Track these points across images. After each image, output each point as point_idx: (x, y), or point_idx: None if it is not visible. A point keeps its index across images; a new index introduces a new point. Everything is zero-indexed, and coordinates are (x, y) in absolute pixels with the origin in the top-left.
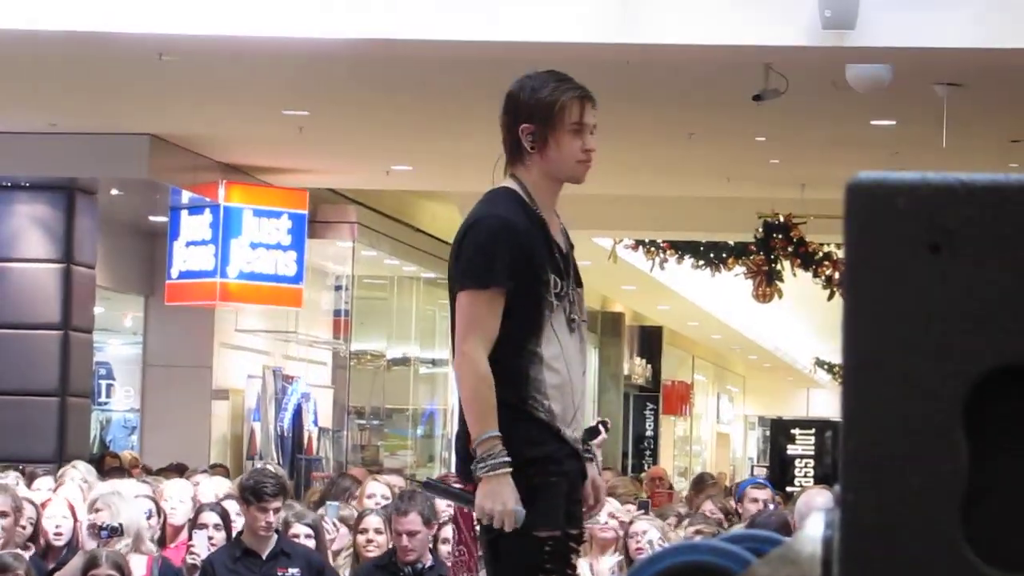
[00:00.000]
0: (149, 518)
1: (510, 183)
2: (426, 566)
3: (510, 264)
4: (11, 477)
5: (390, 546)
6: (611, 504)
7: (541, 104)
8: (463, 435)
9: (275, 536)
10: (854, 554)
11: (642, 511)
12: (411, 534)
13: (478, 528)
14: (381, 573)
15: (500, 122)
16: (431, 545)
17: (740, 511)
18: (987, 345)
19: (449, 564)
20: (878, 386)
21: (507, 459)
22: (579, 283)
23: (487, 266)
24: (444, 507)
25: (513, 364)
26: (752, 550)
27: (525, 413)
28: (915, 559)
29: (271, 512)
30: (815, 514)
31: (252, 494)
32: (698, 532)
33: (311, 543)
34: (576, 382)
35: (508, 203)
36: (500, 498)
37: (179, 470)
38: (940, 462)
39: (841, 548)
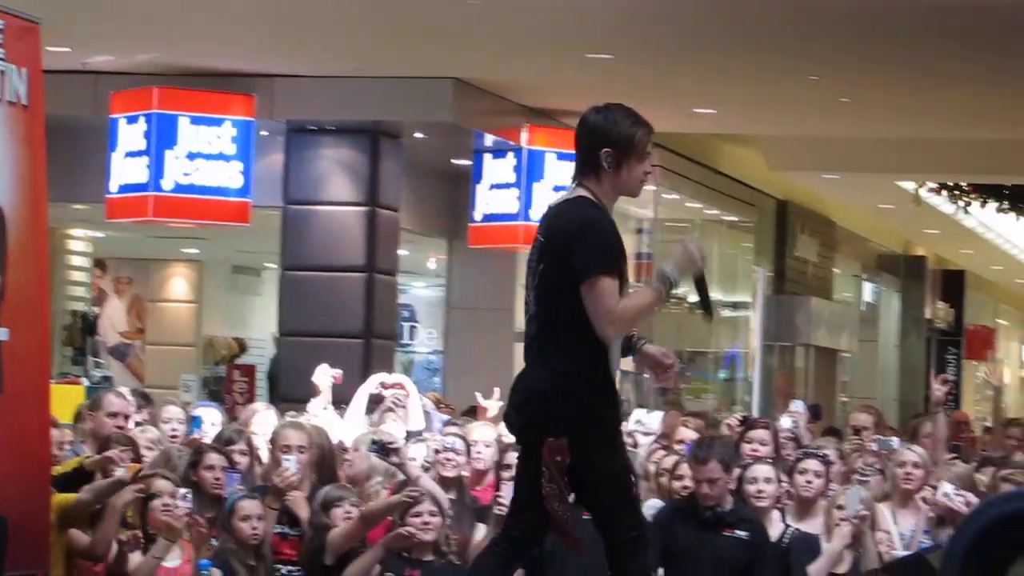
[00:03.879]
0: (458, 454)
1: (584, 192)
2: (726, 509)
3: (623, 258)
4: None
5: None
6: (915, 452)
7: (621, 135)
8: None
9: None
10: None
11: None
12: (711, 482)
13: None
14: (680, 516)
15: (577, 140)
16: (732, 487)
17: None
18: None
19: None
20: None
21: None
22: None
23: (612, 256)
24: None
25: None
26: None
27: (607, 382)
28: None
29: None
30: None
31: None
32: (1007, 479)
33: None
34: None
35: (596, 209)
36: (685, 261)
37: (478, 412)
38: None
39: None
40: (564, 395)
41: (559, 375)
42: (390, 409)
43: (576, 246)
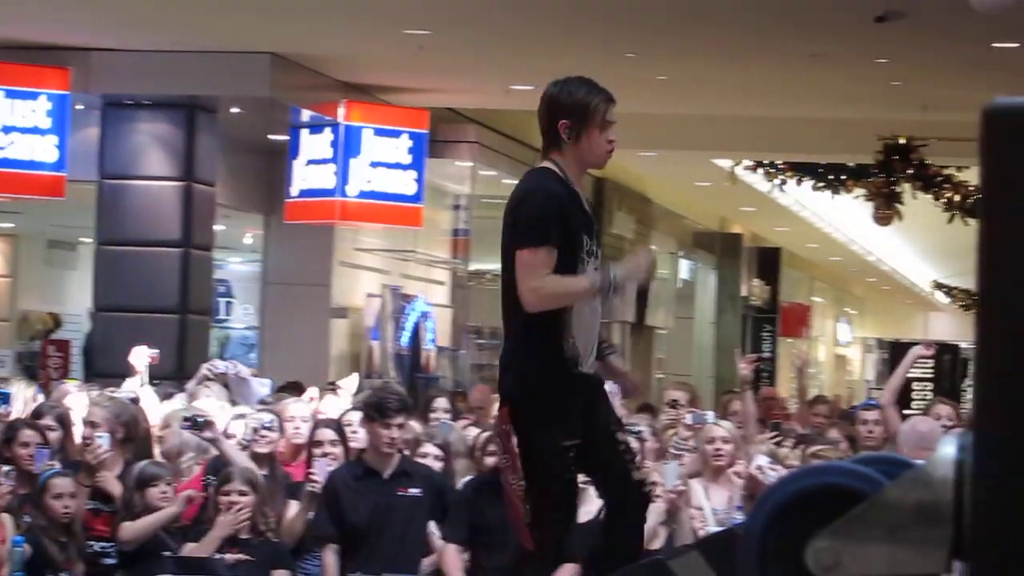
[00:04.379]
0: (271, 430)
1: (548, 164)
2: None
3: (559, 228)
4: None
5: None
6: (723, 428)
7: (577, 105)
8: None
9: (398, 455)
10: (987, 477)
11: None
12: None
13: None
14: (486, 491)
15: (539, 115)
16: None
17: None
18: None
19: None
20: (1013, 311)
21: (609, 273)
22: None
23: (543, 229)
24: None
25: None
26: (884, 472)
27: (556, 356)
28: None
29: (394, 428)
30: (947, 437)
31: (376, 410)
32: (815, 455)
33: (438, 466)
34: (595, 322)
35: (550, 179)
36: (633, 269)
37: (298, 389)
38: None
39: (974, 471)
40: (513, 366)
41: (513, 345)
42: (205, 381)
43: (513, 216)
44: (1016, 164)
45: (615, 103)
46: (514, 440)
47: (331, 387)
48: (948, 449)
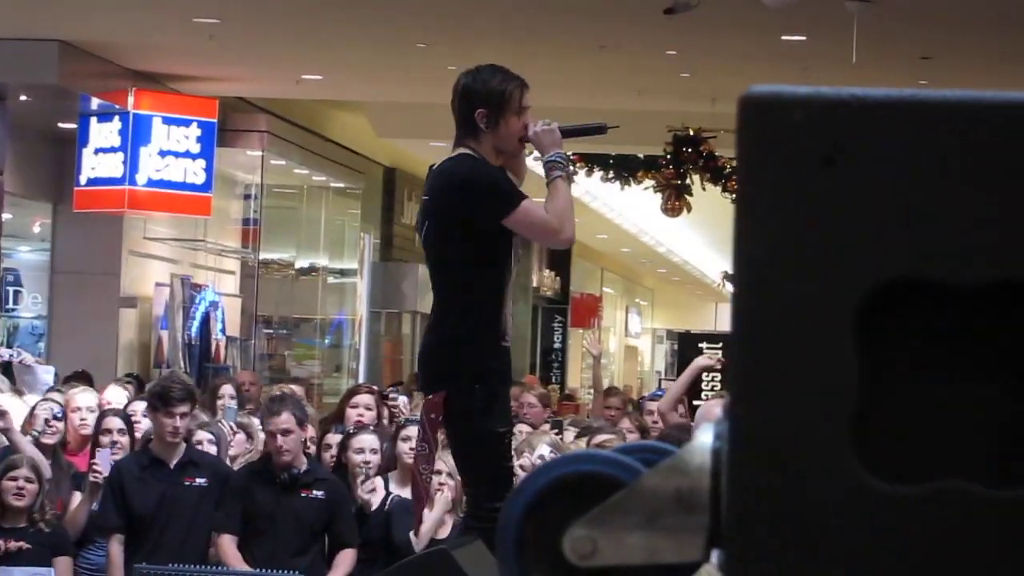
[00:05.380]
0: (58, 420)
1: (464, 151)
2: (301, 470)
3: (512, 184)
4: None
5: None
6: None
7: (493, 93)
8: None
9: (184, 445)
10: (742, 466)
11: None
12: (285, 432)
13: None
14: (257, 479)
15: (452, 106)
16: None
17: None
18: (878, 259)
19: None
20: (768, 299)
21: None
22: None
23: (505, 190)
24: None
25: (489, 284)
26: (645, 461)
27: (493, 338)
28: (803, 472)
29: (178, 417)
30: (704, 425)
31: (159, 399)
32: (600, 446)
33: (212, 450)
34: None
35: (480, 161)
36: (547, 139)
37: (85, 378)
38: (830, 376)
39: (729, 460)
40: (447, 353)
41: (446, 333)
42: None
43: (469, 198)
44: (770, 153)
45: (529, 88)
46: (440, 431)
47: (128, 380)
48: (705, 437)
